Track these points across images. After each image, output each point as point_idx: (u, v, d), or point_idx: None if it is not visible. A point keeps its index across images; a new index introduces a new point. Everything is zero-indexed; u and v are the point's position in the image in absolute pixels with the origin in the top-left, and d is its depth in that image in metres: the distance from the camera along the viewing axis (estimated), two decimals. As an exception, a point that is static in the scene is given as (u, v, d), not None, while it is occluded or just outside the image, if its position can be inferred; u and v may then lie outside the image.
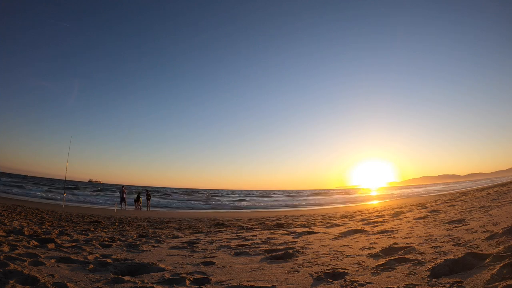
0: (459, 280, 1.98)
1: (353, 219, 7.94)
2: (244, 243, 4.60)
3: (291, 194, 55.03)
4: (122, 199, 17.59)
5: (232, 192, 71.82)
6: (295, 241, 4.53)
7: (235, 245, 4.37)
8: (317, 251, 3.58)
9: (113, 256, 3.49)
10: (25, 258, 3.02)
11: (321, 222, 7.76)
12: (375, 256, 3.03)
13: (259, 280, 2.49)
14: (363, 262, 2.85)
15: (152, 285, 2.41)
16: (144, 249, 4.15)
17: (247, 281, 2.49)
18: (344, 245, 3.83)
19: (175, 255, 3.70)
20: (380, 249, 3.26)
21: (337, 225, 6.52)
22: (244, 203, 29.09)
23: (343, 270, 2.60)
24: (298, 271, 2.71)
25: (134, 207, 18.22)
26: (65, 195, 16.44)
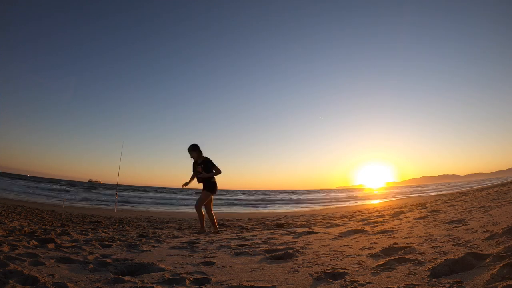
0: (459, 280, 1.98)
1: (353, 219, 7.93)
2: (244, 243, 4.60)
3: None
4: None
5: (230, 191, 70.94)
6: (295, 241, 4.53)
7: (235, 245, 4.36)
8: (317, 251, 3.58)
9: (113, 256, 3.48)
10: (25, 258, 3.01)
11: (321, 222, 7.76)
12: (375, 256, 3.03)
13: (259, 280, 2.49)
14: (363, 262, 2.84)
15: (152, 285, 2.40)
16: (144, 249, 4.14)
17: (247, 281, 2.49)
18: (344, 245, 3.83)
19: (175, 255, 3.70)
20: (380, 249, 3.26)
21: (337, 225, 6.51)
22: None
23: (343, 270, 2.60)
24: (298, 271, 2.71)
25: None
26: (116, 197, 15.79)
